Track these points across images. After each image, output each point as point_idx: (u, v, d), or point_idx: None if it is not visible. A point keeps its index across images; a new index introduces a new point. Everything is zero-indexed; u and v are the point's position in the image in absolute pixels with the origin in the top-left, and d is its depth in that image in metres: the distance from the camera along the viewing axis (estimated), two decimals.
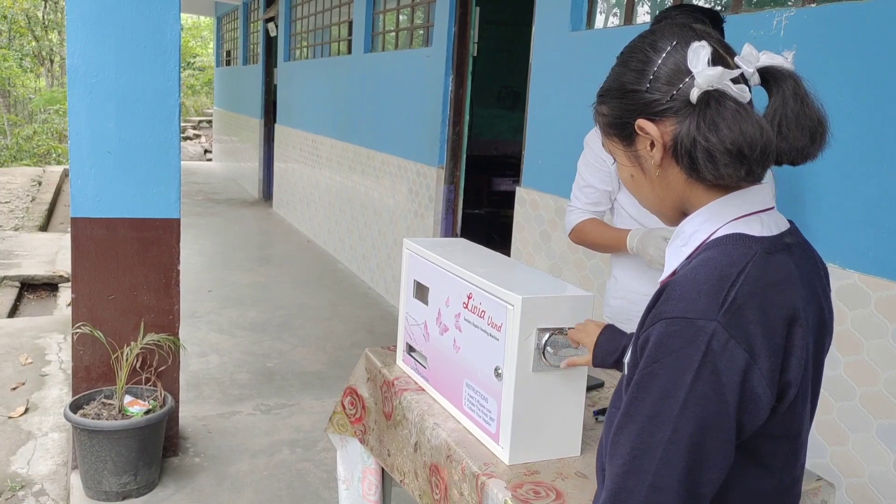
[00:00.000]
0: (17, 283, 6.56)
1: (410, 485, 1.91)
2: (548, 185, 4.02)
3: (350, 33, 7.27)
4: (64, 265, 6.91)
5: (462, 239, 2.15)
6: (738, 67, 0.98)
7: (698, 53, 0.95)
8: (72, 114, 2.98)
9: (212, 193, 11.40)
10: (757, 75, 0.99)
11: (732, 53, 1.01)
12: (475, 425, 1.74)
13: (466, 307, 1.75)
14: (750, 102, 0.96)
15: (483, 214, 6.81)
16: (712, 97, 0.95)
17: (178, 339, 3.24)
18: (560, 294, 1.61)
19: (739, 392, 0.91)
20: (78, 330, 3.06)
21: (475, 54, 5.10)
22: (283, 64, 9.66)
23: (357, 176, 6.87)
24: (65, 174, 13.94)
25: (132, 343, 3.07)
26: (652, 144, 1.02)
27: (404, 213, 5.84)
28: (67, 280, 6.58)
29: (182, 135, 19.08)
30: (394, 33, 6.36)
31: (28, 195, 11.57)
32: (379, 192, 6.33)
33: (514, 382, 1.59)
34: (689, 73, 0.97)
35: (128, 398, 3.07)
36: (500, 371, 1.62)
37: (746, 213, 1.01)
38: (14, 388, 4.24)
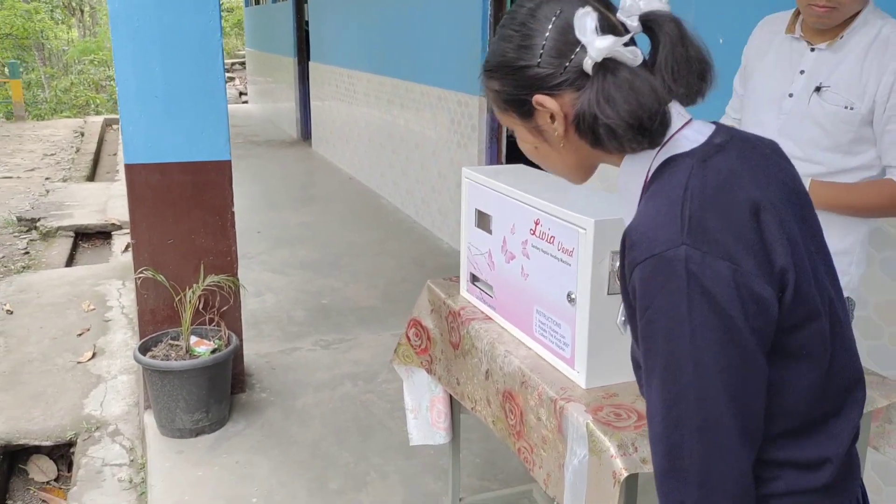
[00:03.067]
0: (72, 233, 6.71)
1: (483, 412, 1.93)
2: None
3: None
4: (115, 213, 7.03)
5: (521, 165, 2.12)
6: (622, 25, 0.96)
7: (584, 21, 0.93)
8: (117, 61, 2.97)
9: (251, 135, 11.42)
10: (639, 23, 0.97)
11: (614, 9, 0.98)
12: (548, 351, 1.73)
13: (534, 233, 1.72)
14: (644, 62, 0.95)
15: None
16: (607, 68, 0.93)
17: (238, 280, 3.28)
18: (618, 216, 1.57)
19: (739, 300, 0.88)
20: (141, 275, 3.12)
21: None
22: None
23: (396, 109, 6.80)
24: (106, 123, 14.09)
25: (194, 285, 3.12)
26: (552, 117, 1.00)
27: (447, 144, 5.77)
28: (120, 227, 6.70)
29: None
30: None
31: (72, 146, 11.74)
32: (420, 124, 6.27)
33: (589, 307, 1.57)
34: (578, 42, 0.94)
35: (193, 339, 3.13)
36: (573, 296, 1.61)
37: (667, 139, 0.98)
38: (80, 335, 4.38)
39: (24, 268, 5.75)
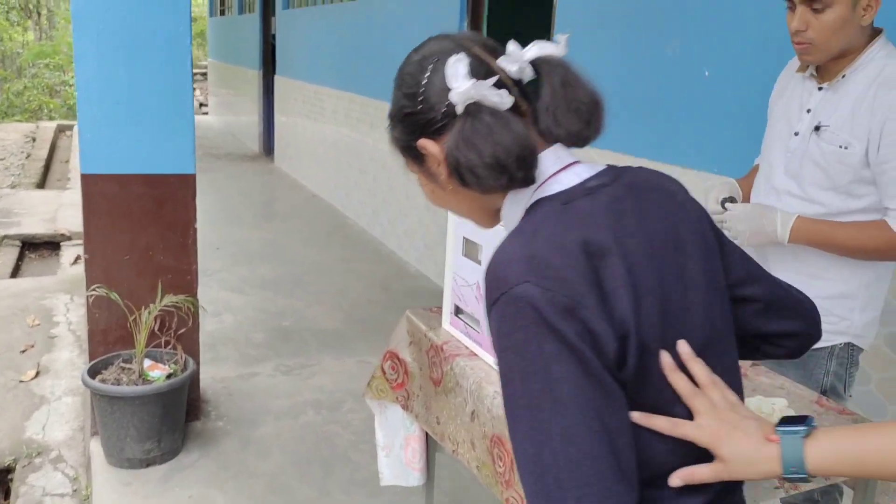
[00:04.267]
0: (18, 243, 6.40)
1: (466, 455, 1.80)
2: None
3: None
4: (65, 223, 6.74)
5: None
6: (501, 70, 0.99)
7: (455, 68, 0.97)
8: (78, 63, 2.79)
9: (211, 148, 11.16)
10: (529, 68, 1.00)
11: (499, 53, 1.02)
12: None
13: None
14: (514, 106, 0.98)
15: None
16: (469, 112, 0.97)
17: (197, 301, 3.10)
18: None
19: (586, 334, 0.89)
20: (94, 292, 2.92)
21: None
22: (283, 12, 9.35)
23: (365, 128, 6.66)
24: (59, 129, 13.67)
25: (150, 305, 2.93)
26: (438, 162, 1.03)
27: None
28: (69, 238, 6.42)
29: None
30: None
31: (23, 152, 11.33)
32: (388, 144, 6.13)
33: None
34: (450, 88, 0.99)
35: (147, 362, 2.94)
36: None
37: (542, 182, 1.01)
38: (23, 351, 4.12)
39: None
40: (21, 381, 3.77)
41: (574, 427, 0.87)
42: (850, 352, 1.88)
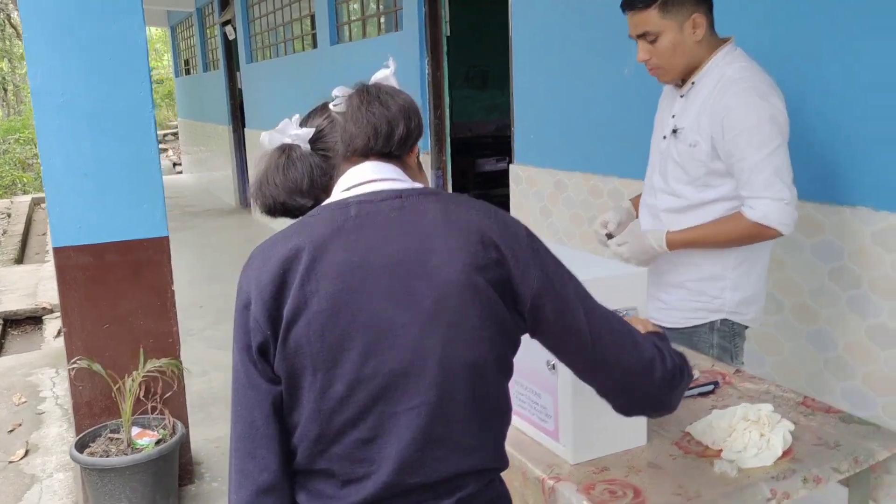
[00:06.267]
0: (0, 320, 6.33)
1: None
2: (543, 159, 3.89)
3: (313, 27, 7.07)
4: (46, 297, 6.68)
5: None
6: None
7: (292, 122, 1.25)
8: (41, 138, 2.79)
9: (187, 206, 11.15)
10: (342, 101, 1.21)
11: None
12: (529, 424, 1.61)
13: None
14: (316, 137, 1.22)
15: (474, 197, 6.65)
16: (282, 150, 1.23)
17: (181, 363, 3.07)
18: (608, 274, 1.48)
19: (246, 323, 1.10)
20: (75, 365, 2.89)
21: (448, 34, 4.94)
22: (247, 66, 9.43)
23: None
24: (34, 203, 13.59)
25: (133, 372, 2.90)
26: None
27: None
28: (51, 312, 6.35)
29: None
30: (359, 22, 6.17)
31: None
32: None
33: (571, 374, 1.45)
34: None
35: (135, 430, 2.90)
36: (552, 363, 1.49)
37: (331, 201, 1.16)
38: (11, 431, 4.05)
39: None
40: (10, 462, 3.70)
41: (235, 402, 1.13)
42: (730, 326, 2.09)
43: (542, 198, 3.89)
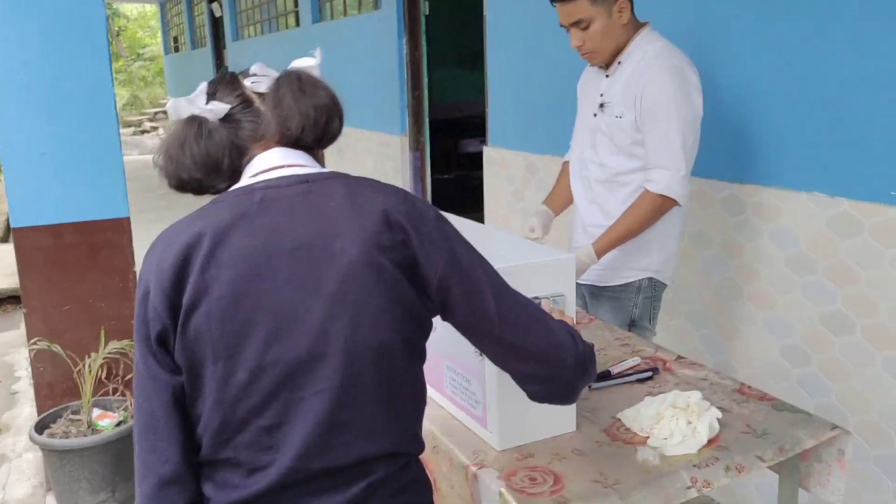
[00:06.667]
0: None
1: None
2: (516, 142, 3.86)
3: (297, 5, 7.00)
4: None
5: (447, 214, 1.99)
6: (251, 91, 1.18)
7: (200, 91, 1.17)
8: (1, 113, 2.77)
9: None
10: (267, 80, 1.17)
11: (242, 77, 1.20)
12: (460, 410, 1.60)
13: None
14: (227, 116, 1.15)
15: (453, 178, 6.62)
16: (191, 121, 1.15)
17: None
18: (535, 260, 1.46)
19: (145, 314, 1.08)
20: (35, 346, 2.88)
21: (427, 13, 4.89)
22: (233, 44, 9.36)
23: (332, 153, 6.64)
24: None
25: (94, 354, 2.89)
26: None
27: None
28: None
29: (139, 128, 18.57)
30: (341, 0, 6.11)
31: None
32: (343, 167, 6.14)
33: None
34: None
35: (96, 412, 2.90)
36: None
37: (238, 187, 1.14)
38: None
39: None
40: None
41: (138, 394, 1.11)
42: (653, 286, 2.30)
43: (514, 180, 3.87)
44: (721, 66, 2.55)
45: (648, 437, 1.48)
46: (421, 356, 1.17)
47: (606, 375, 1.77)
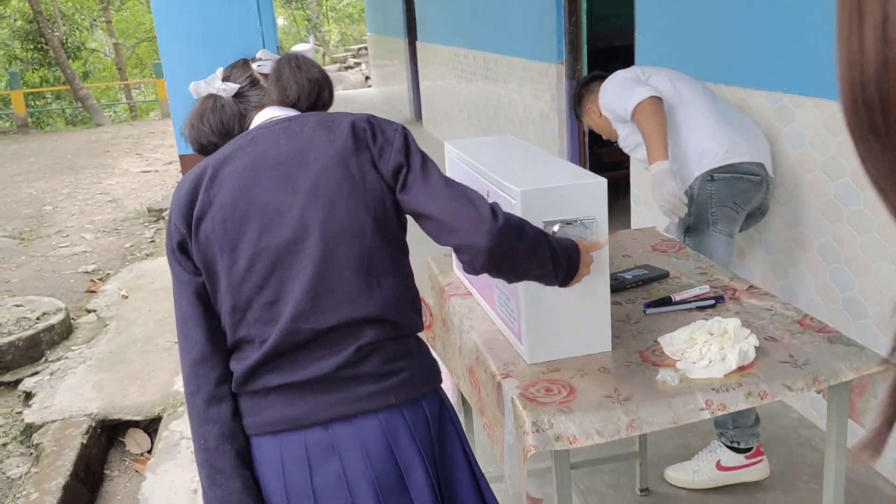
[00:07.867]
0: None
1: (464, 387, 1.91)
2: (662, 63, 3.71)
3: None
4: None
5: (508, 136, 2.06)
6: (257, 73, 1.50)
7: (216, 75, 1.50)
8: (164, 56, 3.14)
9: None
10: (268, 63, 1.48)
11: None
12: (505, 326, 1.69)
13: None
14: (238, 93, 1.45)
15: None
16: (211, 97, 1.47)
17: None
18: (565, 183, 1.50)
19: (170, 233, 1.37)
20: None
21: None
22: None
23: (488, 83, 6.73)
24: None
25: None
26: None
27: (532, 115, 5.67)
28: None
29: (343, 64, 19.48)
30: None
31: None
32: (508, 97, 6.18)
33: (530, 283, 1.51)
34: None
35: None
36: None
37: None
38: None
39: (147, 255, 6.21)
40: (176, 343, 4.31)
41: (176, 299, 1.38)
42: (702, 184, 2.46)
43: None
44: None
45: (678, 361, 1.49)
46: (400, 248, 1.38)
47: (667, 301, 1.77)
